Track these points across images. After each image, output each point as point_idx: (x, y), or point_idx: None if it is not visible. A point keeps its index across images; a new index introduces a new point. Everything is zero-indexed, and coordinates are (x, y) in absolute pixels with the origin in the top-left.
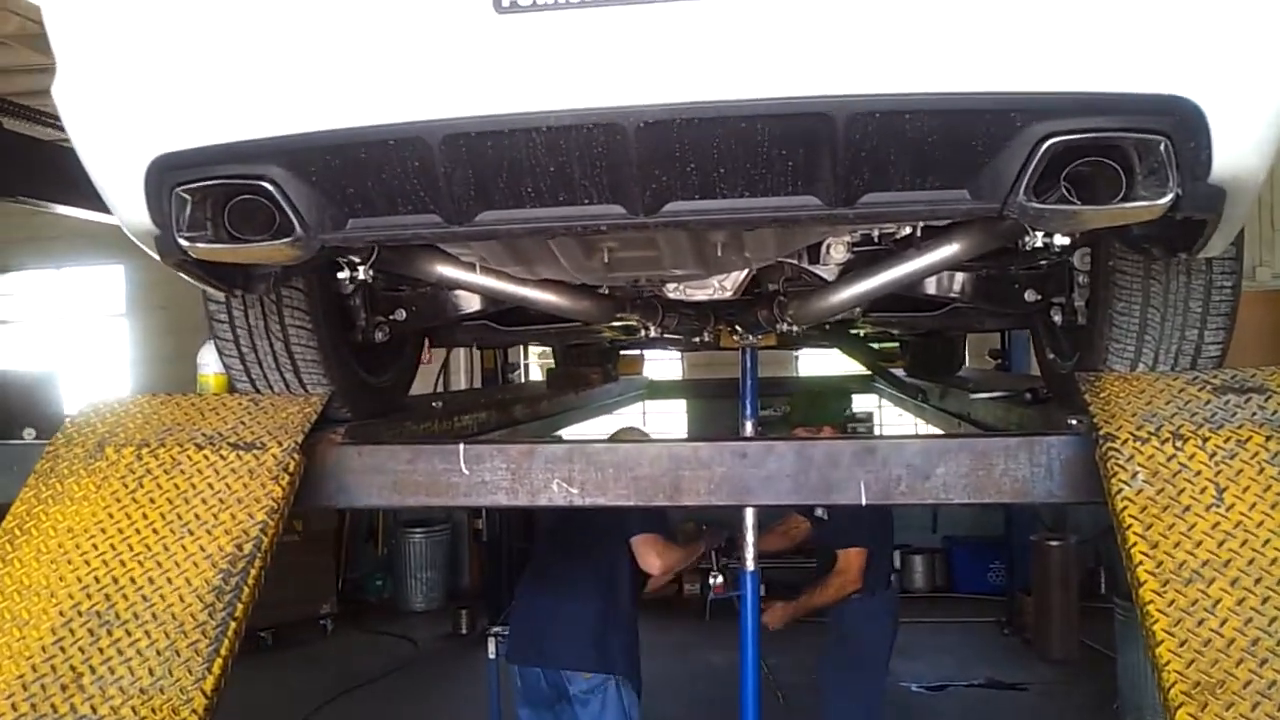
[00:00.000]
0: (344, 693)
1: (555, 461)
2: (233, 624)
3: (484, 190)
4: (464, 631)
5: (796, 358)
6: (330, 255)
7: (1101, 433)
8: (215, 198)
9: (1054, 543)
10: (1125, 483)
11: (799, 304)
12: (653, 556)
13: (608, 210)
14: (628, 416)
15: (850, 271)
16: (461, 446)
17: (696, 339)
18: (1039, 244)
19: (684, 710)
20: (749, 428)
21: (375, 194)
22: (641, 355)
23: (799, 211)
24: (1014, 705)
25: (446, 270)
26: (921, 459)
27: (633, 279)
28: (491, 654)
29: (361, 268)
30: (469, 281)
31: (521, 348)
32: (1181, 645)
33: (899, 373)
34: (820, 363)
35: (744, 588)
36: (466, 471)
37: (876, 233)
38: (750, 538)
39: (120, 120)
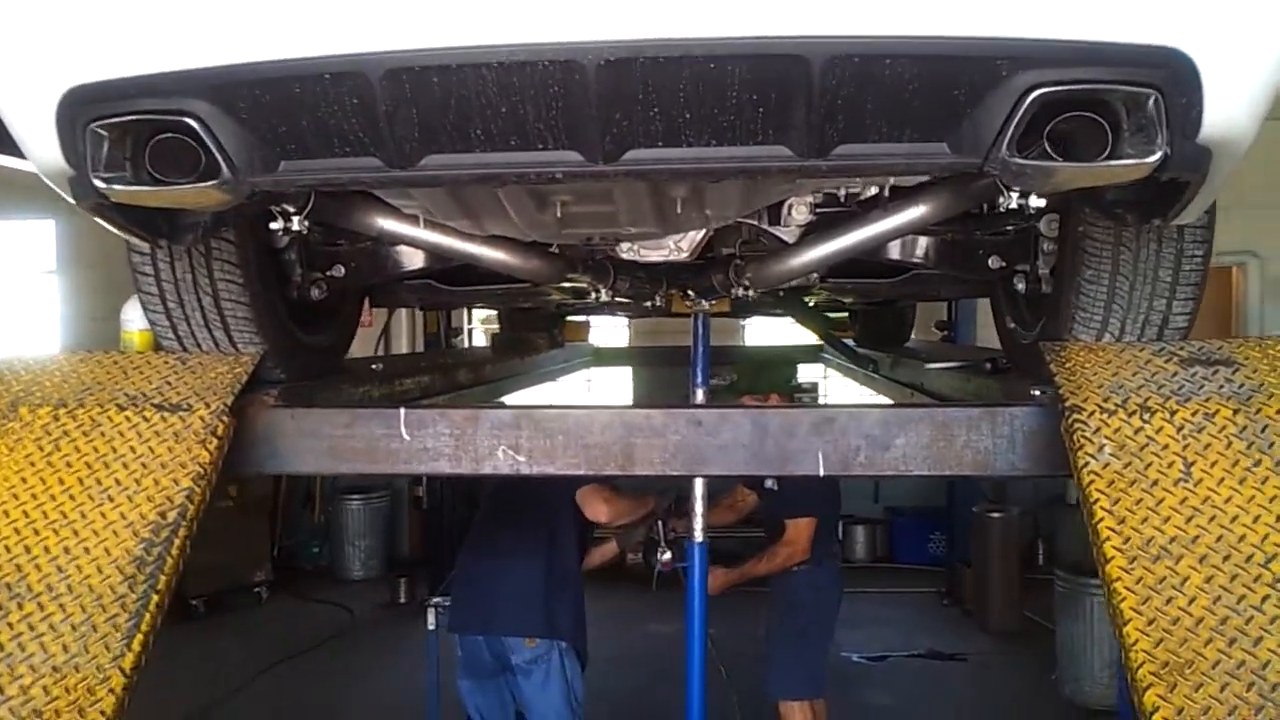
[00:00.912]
0: (278, 662)
1: (502, 428)
2: (155, 597)
3: (429, 132)
4: (403, 600)
5: (744, 326)
6: (262, 203)
7: (1068, 404)
8: (134, 135)
9: (995, 514)
10: (1092, 456)
11: (758, 267)
12: (599, 503)
13: (563, 157)
14: (573, 384)
15: (812, 234)
16: (402, 411)
17: (648, 304)
18: (1013, 205)
19: (626, 682)
20: (700, 395)
21: (310, 134)
22: (587, 322)
23: (769, 162)
24: (954, 675)
25: (387, 223)
26: (881, 429)
27: (586, 237)
28: (431, 625)
29: (296, 218)
30: (411, 236)
31: (465, 311)
32: (1150, 624)
33: (849, 342)
34: (767, 332)
35: (691, 559)
36: (407, 437)
37: (844, 192)
38: (699, 508)
39: (27, 49)
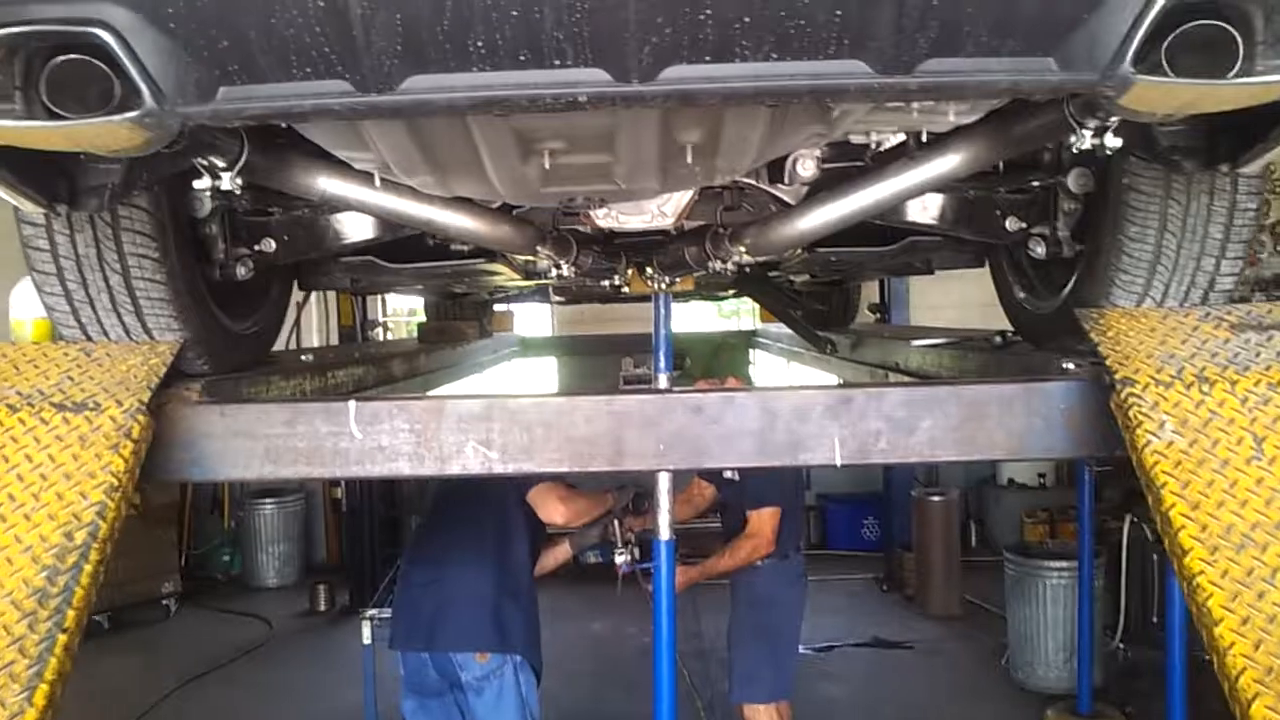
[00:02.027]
0: (191, 680)
1: (470, 420)
2: (61, 637)
3: (415, 44)
4: (322, 608)
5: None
6: (189, 151)
7: (1118, 377)
8: (26, 55)
9: (935, 498)
10: (1153, 434)
11: (758, 232)
12: (555, 503)
13: (587, 76)
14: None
15: (820, 193)
16: (353, 404)
17: (605, 283)
18: (1085, 145)
19: (585, 690)
20: (663, 382)
21: (260, 49)
22: (511, 311)
23: (844, 80)
24: (902, 664)
25: (333, 184)
26: (905, 410)
27: (569, 197)
28: (366, 639)
29: (226, 175)
30: (362, 201)
31: (380, 302)
32: (1244, 624)
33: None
34: (691, 319)
35: (657, 558)
36: (359, 435)
37: (873, 138)
38: (665, 502)
39: None
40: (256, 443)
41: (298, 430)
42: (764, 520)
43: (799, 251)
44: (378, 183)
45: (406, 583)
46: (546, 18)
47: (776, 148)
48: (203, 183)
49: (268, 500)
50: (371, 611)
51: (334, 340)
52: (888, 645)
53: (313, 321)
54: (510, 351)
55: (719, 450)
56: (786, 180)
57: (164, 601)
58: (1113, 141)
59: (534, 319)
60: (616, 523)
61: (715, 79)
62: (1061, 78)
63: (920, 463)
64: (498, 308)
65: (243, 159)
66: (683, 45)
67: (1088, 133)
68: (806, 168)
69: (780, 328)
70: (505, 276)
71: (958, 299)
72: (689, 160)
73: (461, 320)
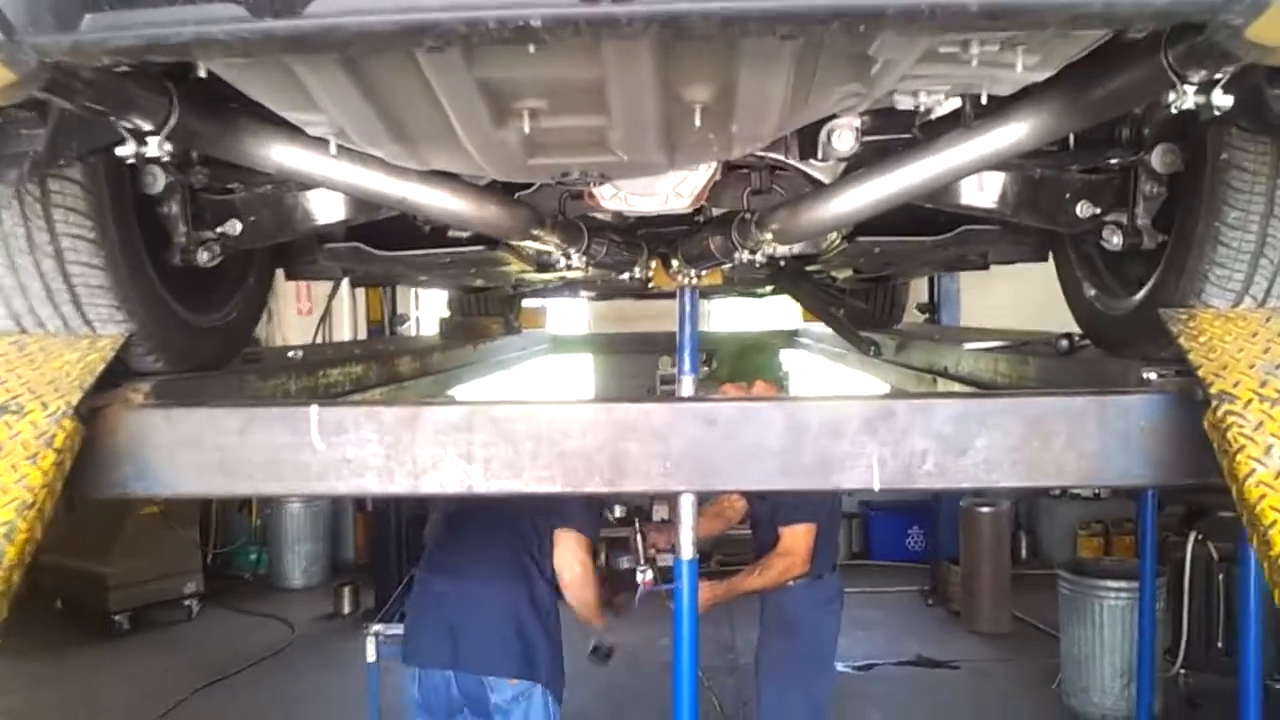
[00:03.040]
0: (211, 683)
1: (448, 430)
2: None
3: None
4: (346, 611)
5: (709, 312)
6: (108, 105)
7: (1213, 391)
8: None
9: (984, 509)
10: (1258, 460)
11: (787, 215)
12: (573, 560)
13: None
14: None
15: (857, 170)
16: (314, 410)
17: (626, 275)
18: (1187, 104)
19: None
20: (687, 385)
21: None
22: (544, 308)
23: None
24: (947, 685)
25: (290, 154)
26: (956, 427)
27: (562, 171)
28: (371, 656)
29: (153, 140)
30: (317, 174)
31: (413, 296)
32: None
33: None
34: (731, 317)
35: (679, 579)
36: (321, 446)
37: (920, 101)
38: (687, 518)
39: None
40: (205, 454)
41: (252, 439)
42: (798, 537)
43: (837, 242)
44: (333, 149)
45: (424, 590)
46: None
47: (805, 111)
48: (127, 149)
49: (294, 497)
50: (377, 627)
51: (363, 335)
52: (932, 664)
53: (344, 316)
54: (540, 349)
55: (736, 470)
56: (820, 155)
57: (186, 602)
58: (1222, 100)
59: (569, 316)
60: (640, 535)
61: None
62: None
63: (972, 488)
64: (529, 303)
65: (172, 120)
66: None
67: (1190, 89)
68: (843, 140)
69: (824, 327)
70: (517, 267)
71: (1013, 299)
72: (699, 124)
73: (487, 315)
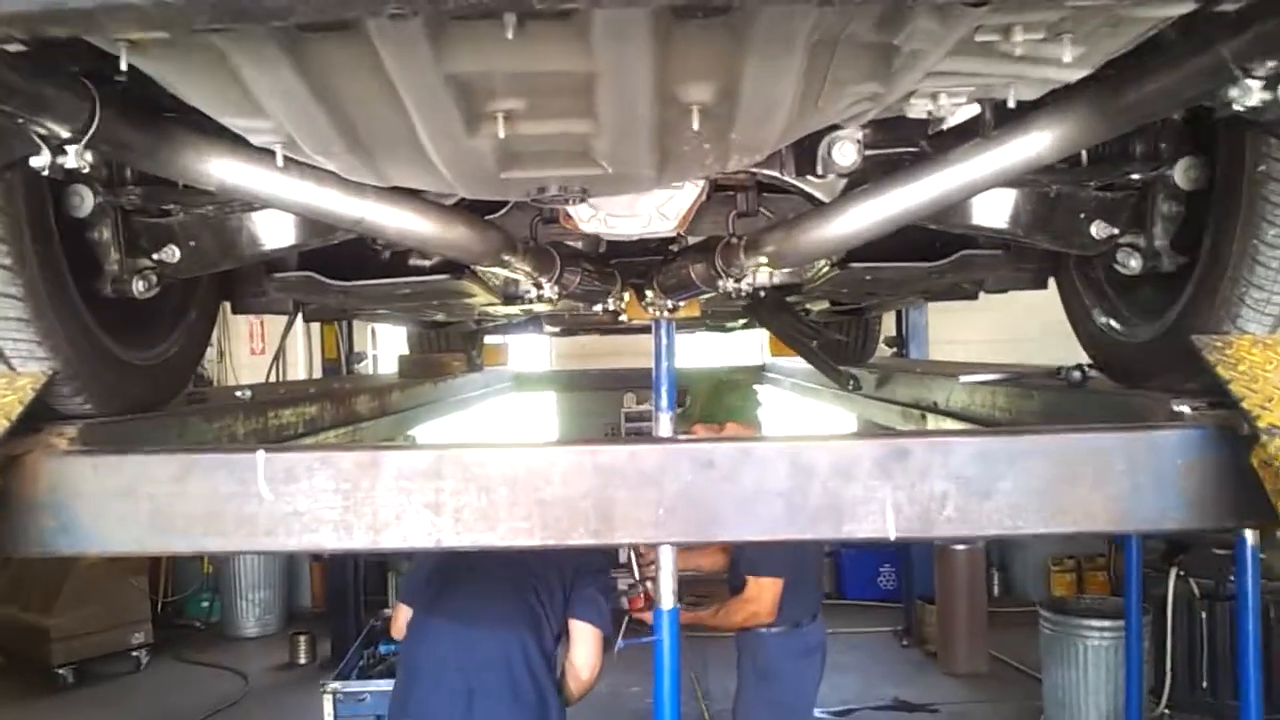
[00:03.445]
0: None
1: (414, 477)
2: None
3: None
4: (302, 661)
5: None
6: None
7: (1262, 425)
8: None
9: (960, 546)
10: None
11: (783, 237)
12: (595, 661)
13: None
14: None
15: (860, 187)
16: (261, 455)
17: (598, 307)
18: (1252, 102)
19: None
20: (665, 423)
21: None
22: (505, 344)
23: None
24: None
25: (232, 168)
26: (979, 467)
27: (538, 185)
28: (329, 716)
29: (72, 149)
30: (272, 192)
31: (370, 333)
32: None
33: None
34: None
35: (659, 629)
36: (269, 495)
37: (942, 103)
38: (668, 568)
39: None
40: (138, 504)
41: (191, 490)
42: (763, 589)
43: (826, 269)
44: (280, 162)
45: (423, 637)
46: None
47: (813, 116)
48: (41, 159)
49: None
50: (335, 685)
51: (319, 374)
52: (910, 708)
53: (298, 355)
54: (503, 387)
55: (736, 518)
56: (820, 170)
57: (134, 653)
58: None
59: (530, 353)
60: (634, 554)
61: None
62: None
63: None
64: (490, 340)
65: (94, 125)
66: None
67: (1256, 84)
68: (845, 153)
69: (792, 361)
70: (482, 299)
71: (985, 333)
72: (696, 129)
73: (448, 352)
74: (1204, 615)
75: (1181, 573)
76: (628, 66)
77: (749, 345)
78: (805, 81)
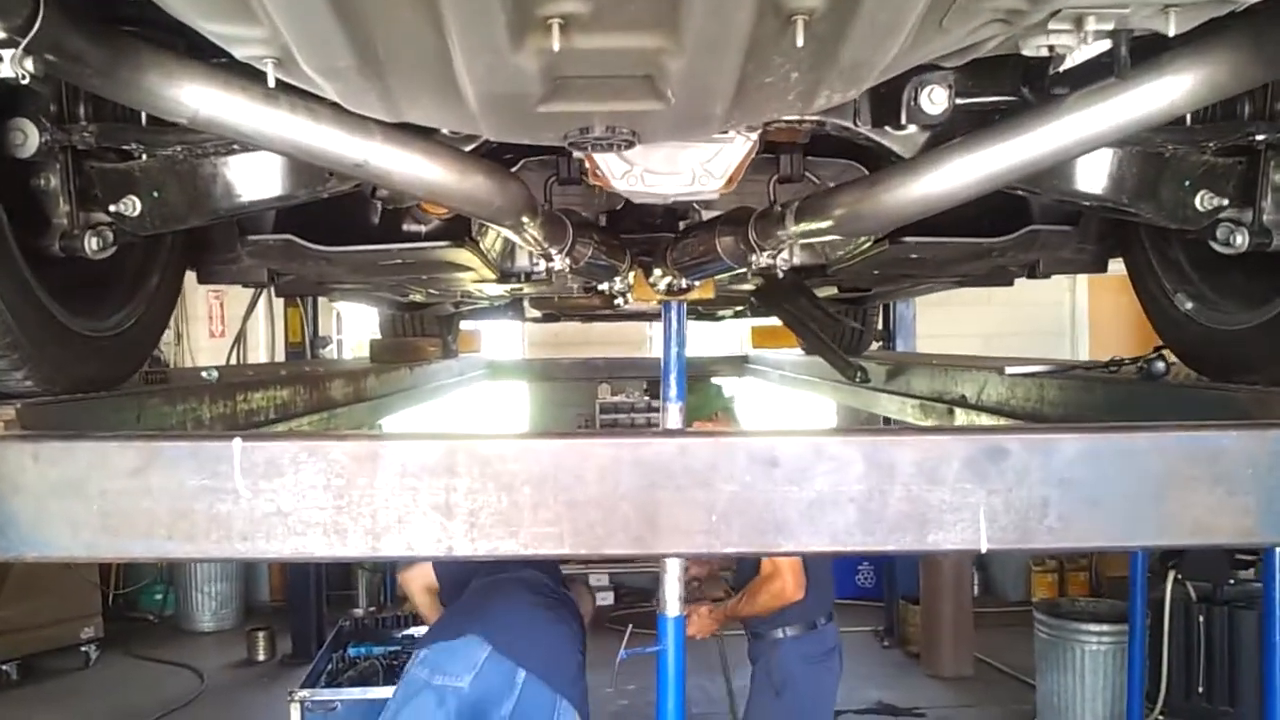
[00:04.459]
0: None
1: (421, 473)
2: None
3: None
4: (261, 658)
5: (651, 337)
6: None
7: None
8: None
9: None
10: None
11: (859, 197)
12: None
13: None
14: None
15: (954, 139)
16: (237, 444)
17: (604, 287)
18: None
19: None
20: (674, 415)
21: None
22: (478, 331)
23: None
24: None
25: (209, 96)
26: (1089, 468)
27: (581, 124)
28: None
29: (7, 54)
30: (258, 128)
31: (335, 316)
32: None
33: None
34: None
35: (663, 638)
36: (246, 491)
37: (1090, 28)
38: (675, 573)
39: None
40: (86, 503)
41: (152, 483)
42: (779, 565)
43: (866, 245)
44: (271, 82)
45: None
46: None
47: (936, 39)
48: None
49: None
50: (303, 693)
51: (281, 359)
52: (895, 712)
53: (259, 337)
54: (478, 374)
55: (803, 524)
56: (903, 119)
57: (83, 648)
58: None
59: (501, 341)
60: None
61: None
62: None
63: (1105, 549)
64: (465, 326)
65: (37, 23)
66: None
67: None
68: (936, 100)
69: (778, 353)
70: (475, 275)
71: (969, 328)
72: (798, 47)
73: (423, 337)
74: (1201, 619)
75: (1179, 576)
76: None
77: (730, 336)
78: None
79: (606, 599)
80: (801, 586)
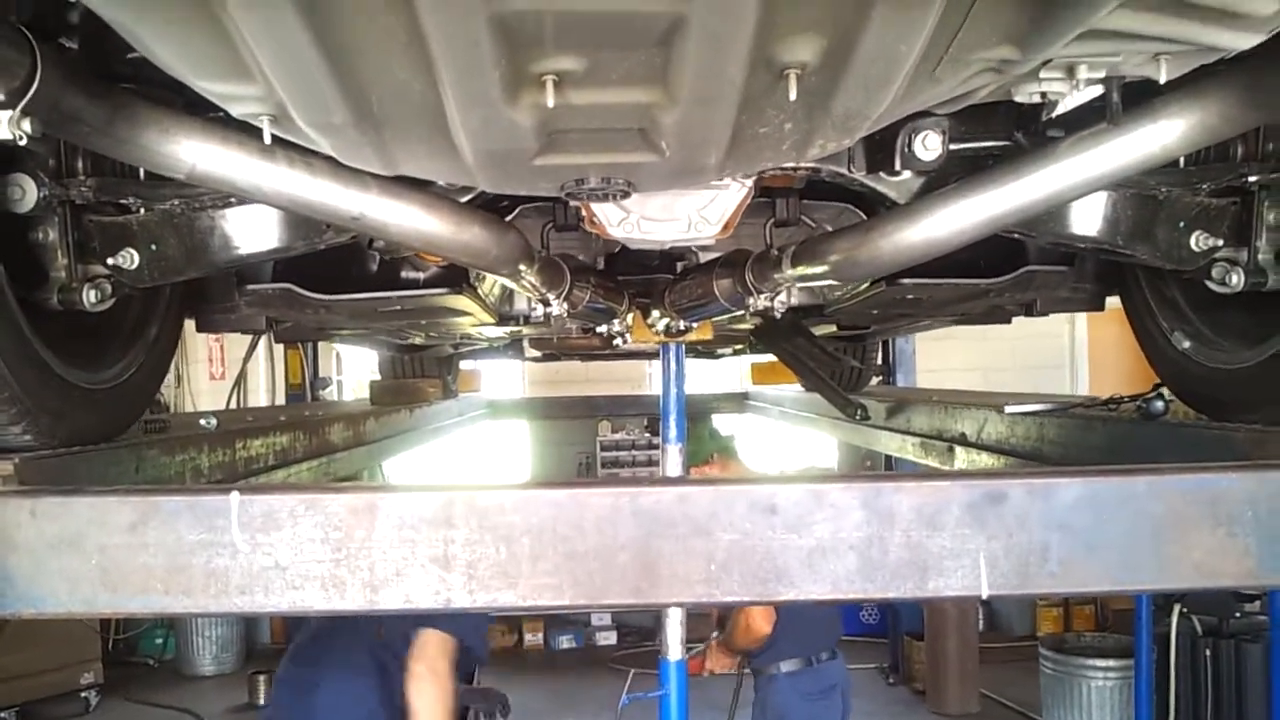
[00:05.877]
0: None
1: (419, 525)
2: None
3: None
4: (262, 702)
5: (650, 374)
6: None
7: None
8: None
9: None
10: None
11: (855, 244)
12: (439, 661)
13: None
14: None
15: (949, 184)
16: (235, 498)
17: (603, 328)
18: None
19: None
20: (674, 458)
21: None
22: (478, 370)
23: None
24: None
25: (205, 151)
26: (1088, 513)
27: (577, 175)
28: None
29: (4, 115)
30: (254, 181)
31: (335, 358)
32: None
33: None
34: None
35: (665, 682)
36: (245, 546)
37: (1081, 77)
38: (676, 616)
39: None
40: (84, 559)
41: (150, 539)
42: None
43: (865, 287)
44: (267, 138)
45: (285, 679)
46: None
47: (927, 89)
48: None
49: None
50: None
51: (282, 401)
52: None
53: (259, 380)
54: (478, 414)
55: (804, 572)
56: (897, 165)
57: (83, 694)
58: None
59: (501, 380)
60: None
61: None
62: None
63: (1108, 592)
64: (464, 365)
65: (34, 84)
66: None
67: None
68: (930, 145)
69: (778, 389)
70: (473, 319)
71: (960, 361)
72: (791, 100)
73: (423, 378)
74: (1207, 653)
75: (1184, 610)
76: (728, 8)
77: (730, 373)
78: (931, 39)
79: (609, 639)
80: (769, 620)
